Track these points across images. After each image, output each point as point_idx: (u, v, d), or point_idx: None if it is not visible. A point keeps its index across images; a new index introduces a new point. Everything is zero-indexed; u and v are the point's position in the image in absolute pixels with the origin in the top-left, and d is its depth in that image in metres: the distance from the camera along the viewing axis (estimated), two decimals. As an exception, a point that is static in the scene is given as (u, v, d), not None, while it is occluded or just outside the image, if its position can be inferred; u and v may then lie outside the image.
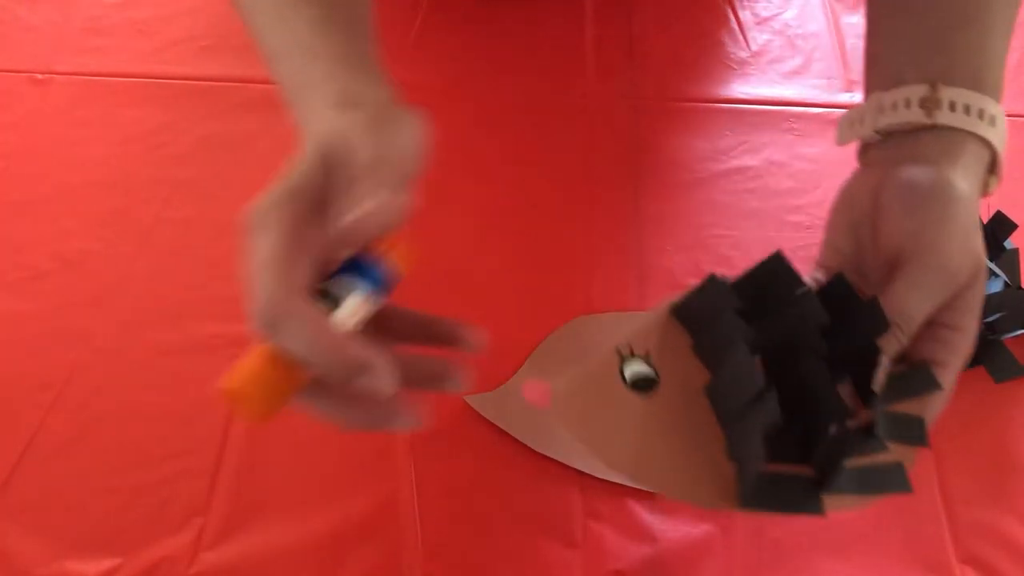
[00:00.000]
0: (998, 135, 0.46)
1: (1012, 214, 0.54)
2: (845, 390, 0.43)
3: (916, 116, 0.46)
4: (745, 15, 0.74)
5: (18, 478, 0.49)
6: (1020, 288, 0.55)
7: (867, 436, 0.42)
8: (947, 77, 0.46)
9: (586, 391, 0.42)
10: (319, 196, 0.36)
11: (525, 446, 0.50)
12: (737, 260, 0.59)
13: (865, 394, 0.43)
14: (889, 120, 0.47)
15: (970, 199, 0.45)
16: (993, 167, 0.47)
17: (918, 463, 0.43)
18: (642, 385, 0.42)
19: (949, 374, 0.44)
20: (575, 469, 0.49)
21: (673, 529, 0.48)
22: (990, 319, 0.53)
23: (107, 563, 0.46)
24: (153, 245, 0.59)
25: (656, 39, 0.72)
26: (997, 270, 0.54)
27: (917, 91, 0.46)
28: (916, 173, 0.45)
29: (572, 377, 0.42)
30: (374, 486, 0.49)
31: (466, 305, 0.56)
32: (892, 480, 0.41)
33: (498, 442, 0.50)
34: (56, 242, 0.59)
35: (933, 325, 0.44)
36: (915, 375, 0.44)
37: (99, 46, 0.71)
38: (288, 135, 0.65)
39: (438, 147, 0.40)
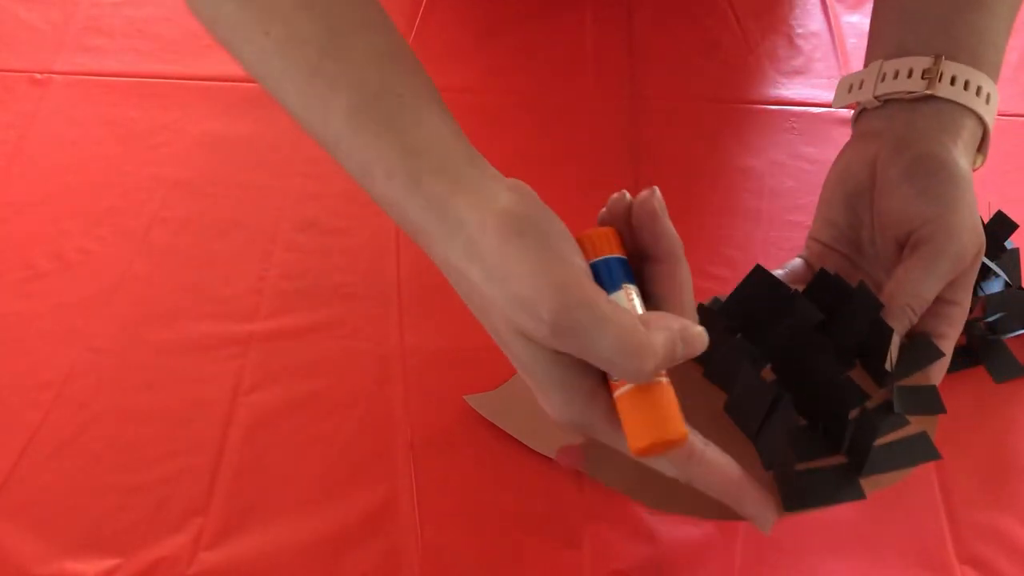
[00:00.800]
0: (990, 113, 0.47)
1: (1012, 214, 0.54)
2: (856, 374, 0.44)
3: (917, 86, 0.47)
4: (745, 15, 0.74)
5: (17, 478, 0.49)
6: (1020, 288, 0.55)
7: (887, 413, 0.43)
8: (950, 53, 0.47)
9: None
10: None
11: (525, 446, 0.50)
12: (738, 260, 0.59)
13: (877, 374, 0.44)
14: (890, 87, 0.48)
15: (970, 177, 0.46)
16: (981, 145, 0.48)
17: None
18: None
19: (948, 344, 0.46)
20: (575, 469, 0.49)
21: (673, 529, 0.48)
22: (990, 319, 0.53)
23: (106, 563, 0.46)
24: (151, 245, 0.59)
25: (656, 39, 0.72)
26: (997, 270, 0.54)
27: (920, 62, 0.47)
28: (923, 151, 0.46)
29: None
30: (374, 486, 0.49)
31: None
32: (919, 450, 0.43)
33: (498, 442, 0.50)
34: (55, 242, 0.59)
35: (935, 300, 0.45)
36: (917, 347, 0.45)
37: (98, 46, 0.71)
38: (285, 135, 0.65)
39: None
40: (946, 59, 0.46)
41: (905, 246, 0.46)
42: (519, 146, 0.65)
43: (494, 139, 0.65)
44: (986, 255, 0.49)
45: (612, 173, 0.64)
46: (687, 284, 0.37)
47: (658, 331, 0.34)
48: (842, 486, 0.41)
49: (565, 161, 0.64)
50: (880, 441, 0.42)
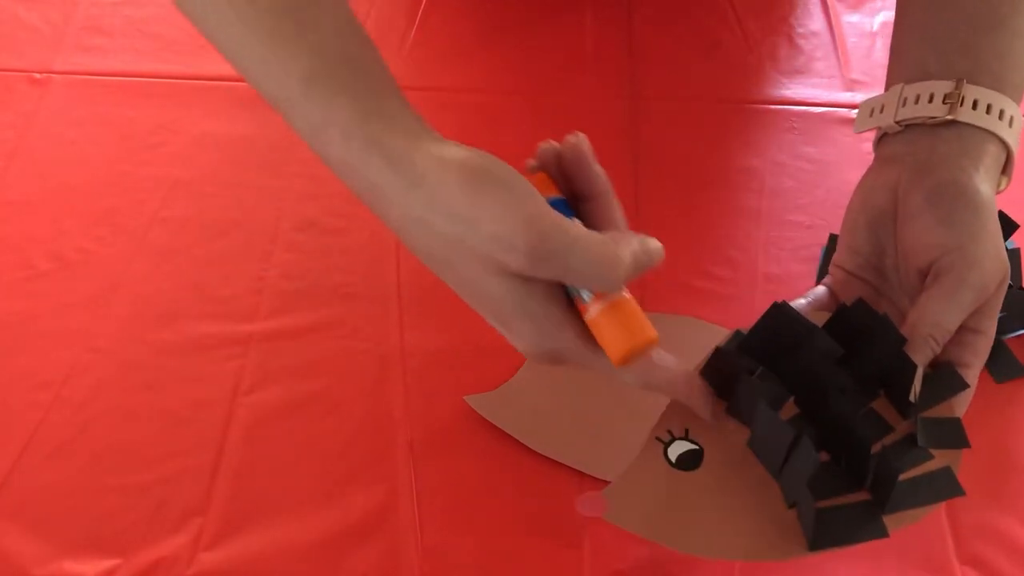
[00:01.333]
0: (1014, 136, 0.46)
1: (1012, 214, 0.54)
2: (880, 404, 0.44)
3: (938, 111, 0.46)
4: (745, 14, 0.74)
5: (16, 478, 0.49)
6: (1020, 288, 0.55)
7: (911, 447, 0.43)
8: (972, 75, 0.46)
9: (640, 491, 0.42)
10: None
11: (525, 446, 0.50)
12: (738, 260, 0.59)
13: (902, 406, 0.43)
14: (911, 112, 0.47)
15: (993, 203, 0.45)
16: (1006, 167, 0.47)
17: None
18: (690, 461, 0.43)
19: (973, 374, 0.45)
20: (575, 469, 0.49)
21: (673, 529, 0.48)
22: (991, 319, 0.53)
23: (105, 563, 0.46)
24: (150, 244, 0.59)
25: (656, 39, 0.72)
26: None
27: (942, 86, 0.46)
28: (945, 178, 0.45)
29: (621, 482, 0.43)
30: (374, 486, 0.49)
31: (467, 305, 0.56)
32: (943, 486, 0.42)
33: (498, 442, 0.50)
34: (54, 242, 0.59)
35: (958, 329, 0.44)
36: (941, 377, 0.44)
37: (97, 45, 0.71)
38: (285, 135, 0.65)
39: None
40: (968, 82, 0.46)
41: (927, 275, 0.45)
42: (519, 146, 0.64)
43: (494, 139, 0.65)
44: None
45: (612, 173, 0.63)
46: (621, 216, 0.41)
47: (623, 245, 0.37)
48: (866, 524, 0.41)
49: (565, 161, 0.64)
50: (904, 476, 0.41)
